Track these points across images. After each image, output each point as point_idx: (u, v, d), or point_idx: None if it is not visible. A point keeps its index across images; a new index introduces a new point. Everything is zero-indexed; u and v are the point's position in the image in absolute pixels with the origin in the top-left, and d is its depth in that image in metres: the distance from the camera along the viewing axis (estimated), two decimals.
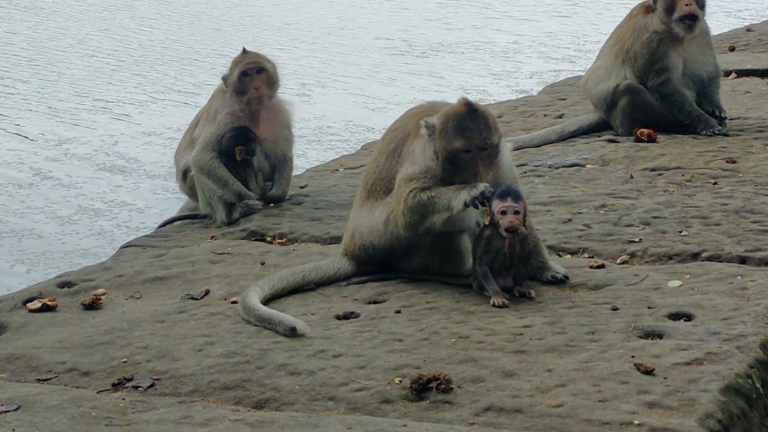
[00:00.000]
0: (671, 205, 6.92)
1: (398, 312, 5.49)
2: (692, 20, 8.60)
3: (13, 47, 20.35)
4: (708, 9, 8.83)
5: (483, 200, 5.48)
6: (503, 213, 5.43)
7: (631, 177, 7.66)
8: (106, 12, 24.15)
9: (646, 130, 8.64)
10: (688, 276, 5.75)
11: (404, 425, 4.44)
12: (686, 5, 8.58)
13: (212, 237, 7.13)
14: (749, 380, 4.68)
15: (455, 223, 5.67)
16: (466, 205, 5.52)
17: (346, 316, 5.52)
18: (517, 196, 5.47)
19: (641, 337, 5.07)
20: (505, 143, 5.83)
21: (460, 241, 5.75)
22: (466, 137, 5.59)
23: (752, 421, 4.58)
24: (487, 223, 5.51)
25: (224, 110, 7.57)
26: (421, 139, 5.77)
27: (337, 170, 8.66)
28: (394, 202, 5.77)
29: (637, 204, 6.99)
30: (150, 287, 6.18)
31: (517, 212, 5.44)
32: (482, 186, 5.52)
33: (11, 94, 16.65)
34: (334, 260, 6.07)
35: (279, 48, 18.81)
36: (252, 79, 7.53)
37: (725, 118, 8.82)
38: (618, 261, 6.14)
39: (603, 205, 7.00)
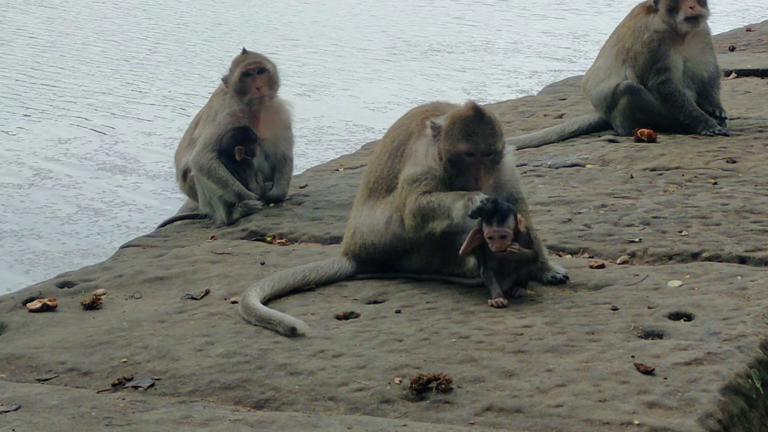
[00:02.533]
0: (671, 205, 6.92)
1: (398, 312, 5.49)
2: (697, 19, 8.61)
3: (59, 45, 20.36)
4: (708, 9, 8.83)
5: (482, 213, 5.47)
6: (491, 238, 5.44)
7: (631, 177, 7.66)
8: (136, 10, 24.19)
9: (646, 130, 8.64)
10: (688, 276, 5.75)
11: (404, 425, 4.44)
12: (690, 8, 8.58)
13: (212, 237, 7.13)
14: (749, 380, 4.68)
15: (456, 227, 5.67)
16: (465, 217, 5.52)
17: (346, 316, 5.52)
18: (502, 219, 5.42)
19: (641, 337, 5.07)
20: (508, 147, 5.82)
21: (460, 241, 5.74)
22: (470, 141, 5.59)
23: (752, 421, 4.58)
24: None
25: (224, 110, 7.57)
26: (425, 139, 5.76)
27: (337, 170, 8.66)
28: (398, 202, 5.77)
29: (637, 204, 6.99)
30: (150, 287, 6.18)
31: (503, 236, 5.43)
32: (480, 198, 5.49)
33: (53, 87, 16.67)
34: (334, 260, 6.07)
35: (278, 48, 18.82)
36: (253, 79, 7.53)
37: (725, 118, 8.82)
38: (618, 261, 6.14)
39: (603, 205, 7.00)
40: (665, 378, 4.63)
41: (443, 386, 4.62)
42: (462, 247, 5.54)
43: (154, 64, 18.68)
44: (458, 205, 5.53)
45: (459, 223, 5.59)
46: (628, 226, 6.60)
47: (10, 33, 21.73)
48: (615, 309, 5.36)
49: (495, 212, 5.43)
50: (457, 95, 14.90)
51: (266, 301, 5.63)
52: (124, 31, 21.90)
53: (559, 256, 6.25)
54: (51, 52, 19.92)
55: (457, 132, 5.60)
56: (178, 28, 22.15)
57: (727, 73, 10.70)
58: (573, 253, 6.29)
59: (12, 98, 16.39)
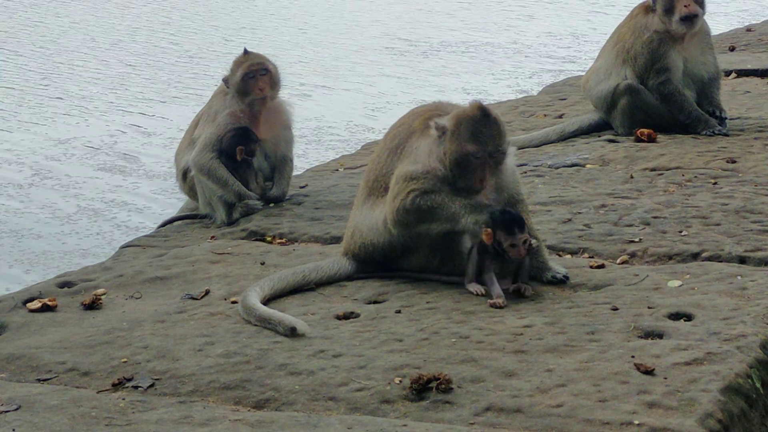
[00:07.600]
0: (671, 205, 6.92)
1: (398, 312, 5.49)
2: (692, 19, 8.61)
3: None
4: (708, 9, 8.83)
5: (488, 225, 5.49)
6: (513, 246, 5.47)
7: (631, 177, 7.66)
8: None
9: (646, 130, 8.64)
10: (688, 276, 5.75)
11: (404, 425, 4.44)
12: (685, 6, 8.59)
13: (212, 237, 7.13)
14: (749, 380, 4.68)
15: (455, 228, 5.68)
16: (474, 228, 5.54)
17: (346, 316, 5.52)
18: (522, 226, 5.51)
19: (641, 337, 5.07)
20: (510, 149, 5.83)
21: (460, 241, 5.74)
22: (479, 142, 5.58)
23: (752, 421, 4.59)
24: (488, 242, 5.51)
25: (225, 111, 7.56)
26: (428, 139, 5.74)
27: (337, 170, 8.66)
28: (389, 197, 5.76)
29: (637, 204, 6.99)
30: (150, 287, 6.18)
31: (525, 242, 5.50)
32: (488, 210, 5.53)
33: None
34: (334, 260, 6.07)
35: (278, 48, 18.82)
36: (256, 80, 7.52)
37: (725, 118, 8.82)
38: (618, 261, 6.14)
39: (603, 205, 7.00)
40: (665, 378, 4.63)
41: (443, 386, 4.62)
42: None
43: (155, 64, 18.68)
44: (467, 216, 5.55)
45: (464, 230, 5.61)
46: (628, 226, 6.60)
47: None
48: (615, 309, 5.37)
49: (514, 220, 5.48)
50: (458, 95, 14.92)
51: (266, 301, 5.63)
52: (123, 31, 21.90)
53: (559, 256, 6.25)
54: (49, 52, 19.92)
55: (465, 133, 5.60)
56: (177, 28, 22.16)
57: (727, 73, 10.70)
58: (573, 253, 6.29)
59: (11, 98, 16.39)
